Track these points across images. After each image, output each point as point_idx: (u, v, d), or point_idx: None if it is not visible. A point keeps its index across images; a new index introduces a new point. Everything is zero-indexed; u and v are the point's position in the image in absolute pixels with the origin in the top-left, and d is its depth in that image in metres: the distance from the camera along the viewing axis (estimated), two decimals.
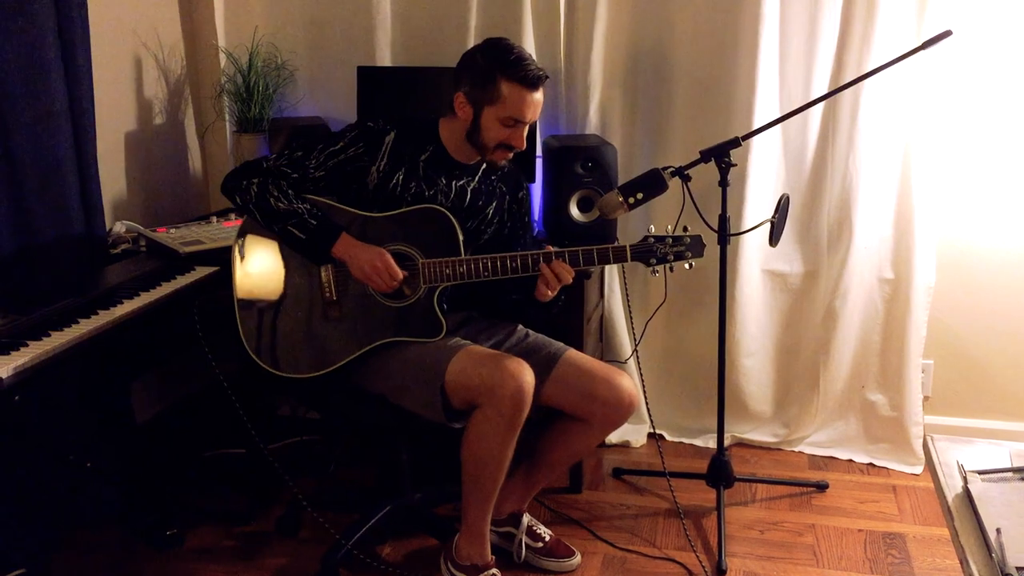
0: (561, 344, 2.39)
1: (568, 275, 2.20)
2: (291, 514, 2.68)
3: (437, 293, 2.25)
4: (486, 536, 2.33)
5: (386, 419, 2.32)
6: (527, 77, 2.17)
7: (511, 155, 2.31)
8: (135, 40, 2.99)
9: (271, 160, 2.26)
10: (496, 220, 2.43)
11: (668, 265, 2.25)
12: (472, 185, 2.37)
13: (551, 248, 2.22)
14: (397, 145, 2.27)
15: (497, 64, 2.18)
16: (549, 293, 2.23)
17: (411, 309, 2.25)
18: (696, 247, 2.25)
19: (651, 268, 2.24)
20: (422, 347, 2.23)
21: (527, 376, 2.11)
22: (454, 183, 2.34)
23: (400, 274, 2.20)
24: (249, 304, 2.27)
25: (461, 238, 2.25)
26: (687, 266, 2.26)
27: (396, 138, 2.27)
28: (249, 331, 2.26)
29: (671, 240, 2.24)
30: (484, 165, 2.39)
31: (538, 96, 2.21)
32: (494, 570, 2.32)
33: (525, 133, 2.26)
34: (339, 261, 2.23)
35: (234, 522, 2.71)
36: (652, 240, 2.24)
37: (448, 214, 2.26)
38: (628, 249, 2.23)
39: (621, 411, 2.29)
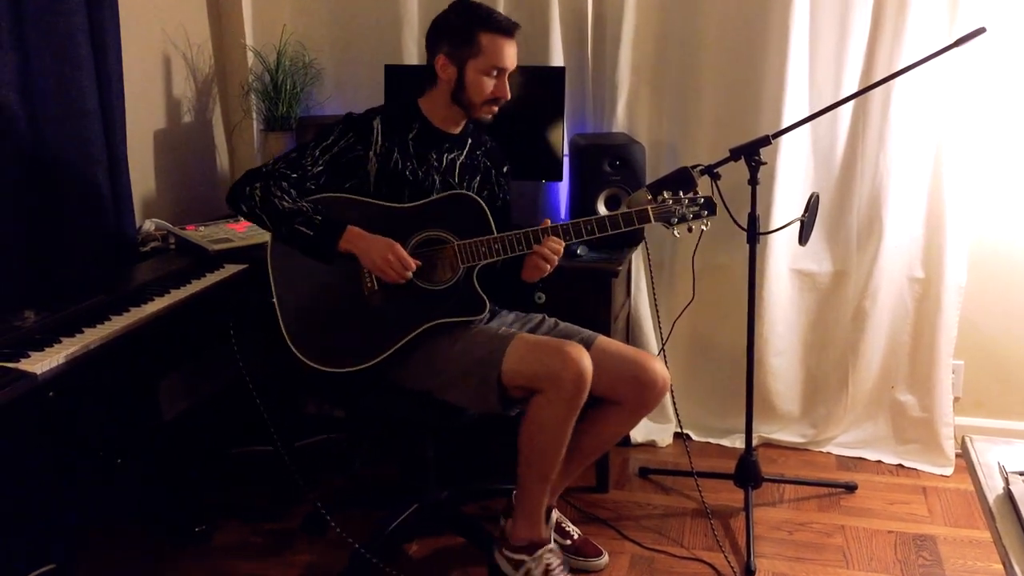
0: (591, 331, 2.42)
1: (556, 254, 2.25)
2: (318, 513, 2.68)
3: (475, 271, 2.27)
4: (542, 516, 2.34)
5: (426, 416, 2.32)
6: (503, 26, 2.27)
7: (496, 109, 2.37)
8: (164, 39, 3.01)
9: (269, 165, 2.28)
10: (485, 194, 2.46)
11: (687, 225, 2.28)
12: (461, 159, 2.42)
13: (580, 219, 2.28)
14: (385, 128, 2.32)
15: (474, 19, 2.27)
16: (548, 267, 2.26)
17: (452, 291, 2.27)
18: (709, 206, 2.30)
19: (672, 228, 2.29)
20: (470, 341, 2.24)
21: (586, 360, 2.14)
22: (445, 156, 2.39)
23: (413, 264, 2.21)
24: (288, 300, 2.25)
25: (491, 217, 2.28)
26: (703, 226, 2.29)
27: (382, 123, 2.32)
28: (291, 328, 2.24)
29: (686, 200, 2.29)
30: (469, 140, 2.43)
31: (513, 44, 2.31)
32: (551, 545, 2.33)
33: (507, 82, 2.32)
34: (347, 255, 2.22)
35: (262, 519, 2.72)
36: (670, 201, 2.29)
37: (475, 197, 2.30)
38: (650, 211, 2.28)
39: (655, 392, 2.31)
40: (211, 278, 2.47)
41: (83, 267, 2.45)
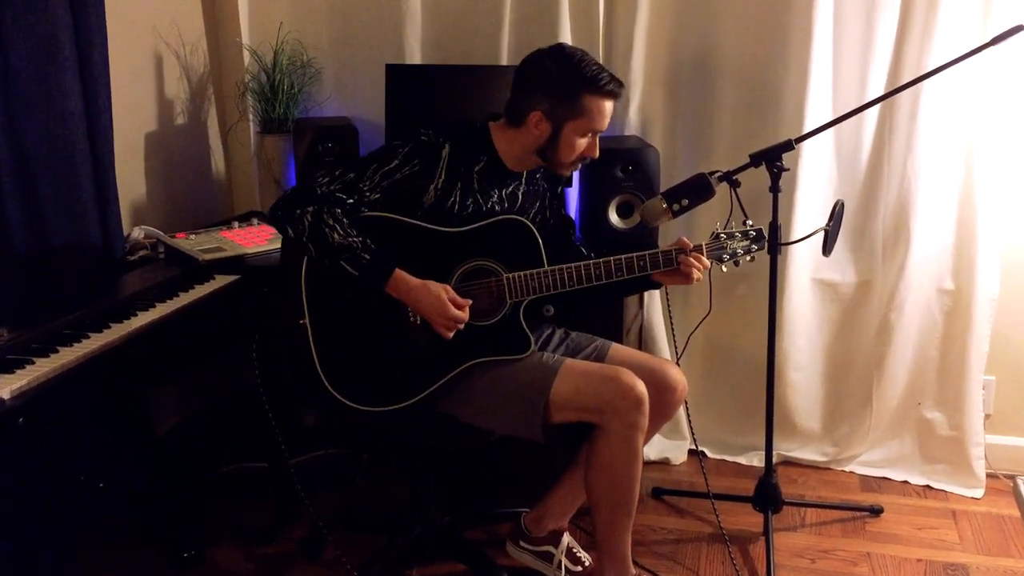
0: (602, 339, 2.33)
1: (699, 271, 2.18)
2: (315, 535, 2.56)
3: (522, 307, 2.14)
4: (629, 554, 2.22)
5: (447, 439, 2.20)
6: (612, 91, 2.10)
7: (580, 166, 2.25)
8: (156, 37, 2.88)
9: (323, 184, 2.07)
10: (539, 219, 2.31)
11: (736, 260, 2.21)
12: (522, 189, 2.27)
13: (624, 254, 2.15)
14: (453, 159, 2.13)
15: (580, 79, 2.07)
16: (700, 276, 2.17)
17: (497, 326, 2.13)
18: (759, 240, 2.22)
19: (721, 264, 2.20)
20: (514, 367, 2.12)
21: (641, 385, 2.05)
22: (505, 192, 2.23)
23: (465, 318, 2.06)
24: (322, 328, 2.09)
25: (543, 248, 2.14)
26: (749, 259, 2.23)
27: (451, 151, 2.13)
28: (323, 359, 2.08)
29: (739, 235, 2.20)
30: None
31: (613, 103, 2.15)
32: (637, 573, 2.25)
33: (598, 142, 2.18)
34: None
35: (257, 540, 2.60)
36: (724, 237, 2.19)
37: (528, 224, 2.14)
38: (704, 249, 2.16)
39: (675, 397, 2.22)
40: (200, 290, 2.34)
41: (65, 280, 2.32)
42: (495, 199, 2.20)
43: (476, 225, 2.13)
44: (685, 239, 2.17)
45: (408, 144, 2.11)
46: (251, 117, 3.12)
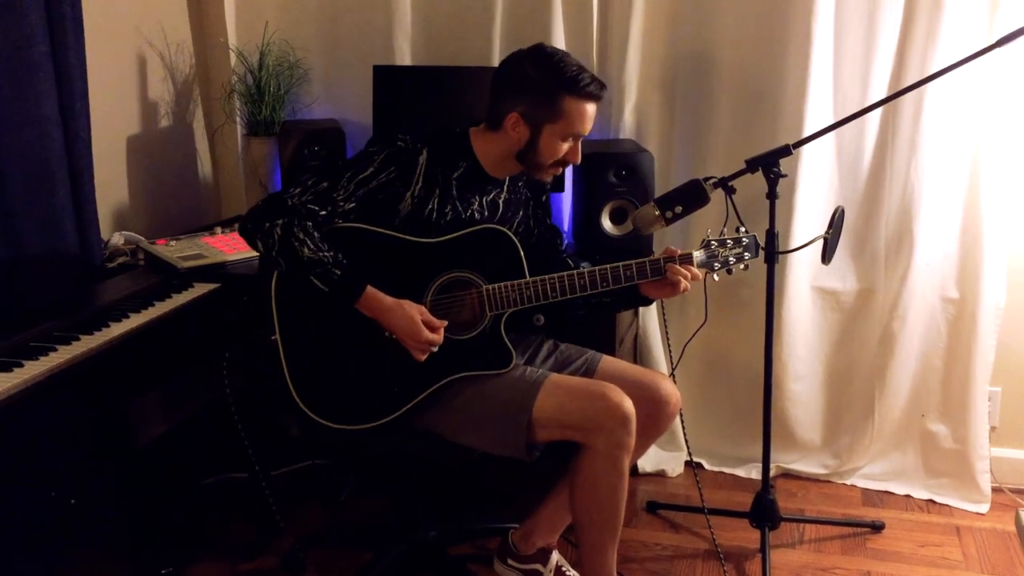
0: (592, 351, 2.26)
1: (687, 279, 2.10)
2: (297, 550, 2.48)
3: (503, 320, 2.06)
4: (613, 574, 2.15)
5: (429, 455, 2.14)
6: (592, 93, 2.01)
7: (560, 171, 2.16)
8: (139, 37, 2.81)
9: (295, 195, 1.98)
10: (522, 229, 2.23)
11: (728, 268, 2.14)
12: (503, 196, 2.19)
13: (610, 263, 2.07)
14: (430, 166, 2.05)
15: (558, 80, 1.99)
16: (687, 285, 2.09)
17: (477, 341, 2.05)
18: (753, 247, 2.16)
19: (713, 273, 2.13)
20: (495, 382, 2.04)
21: (628, 402, 1.97)
22: (485, 199, 2.15)
23: (439, 341, 1.99)
24: (293, 344, 2.01)
25: (524, 258, 2.06)
26: (743, 267, 2.16)
27: (429, 157, 2.05)
28: (296, 376, 2.01)
29: (730, 242, 2.13)
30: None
31: (595, 107, 2.07)
32: None
33: (579, 147, 2.10)
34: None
35: (238, 556, 2.52)
36: (715, 244, 2.12)
37: (509, 233, 2.07)
38: (692, 257, 2.08)
39: (668, 411, 2.15)
40: (177, 299, 2.27)
41: (39, 288, 2.25)
42: (475, 207, 2.12)
43: (454, 235, 2.05)
44: (673, 247, 2.10)
45: (384, 151, 2.02)
46: (238, 119, 3.05)
